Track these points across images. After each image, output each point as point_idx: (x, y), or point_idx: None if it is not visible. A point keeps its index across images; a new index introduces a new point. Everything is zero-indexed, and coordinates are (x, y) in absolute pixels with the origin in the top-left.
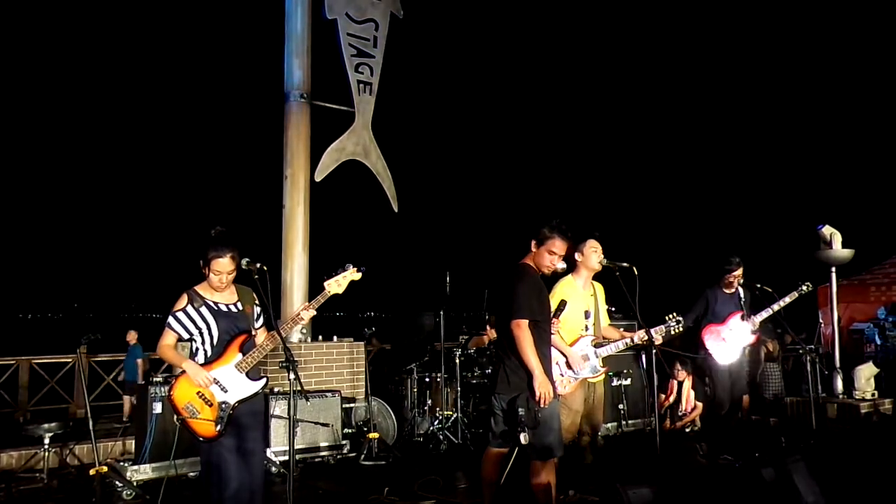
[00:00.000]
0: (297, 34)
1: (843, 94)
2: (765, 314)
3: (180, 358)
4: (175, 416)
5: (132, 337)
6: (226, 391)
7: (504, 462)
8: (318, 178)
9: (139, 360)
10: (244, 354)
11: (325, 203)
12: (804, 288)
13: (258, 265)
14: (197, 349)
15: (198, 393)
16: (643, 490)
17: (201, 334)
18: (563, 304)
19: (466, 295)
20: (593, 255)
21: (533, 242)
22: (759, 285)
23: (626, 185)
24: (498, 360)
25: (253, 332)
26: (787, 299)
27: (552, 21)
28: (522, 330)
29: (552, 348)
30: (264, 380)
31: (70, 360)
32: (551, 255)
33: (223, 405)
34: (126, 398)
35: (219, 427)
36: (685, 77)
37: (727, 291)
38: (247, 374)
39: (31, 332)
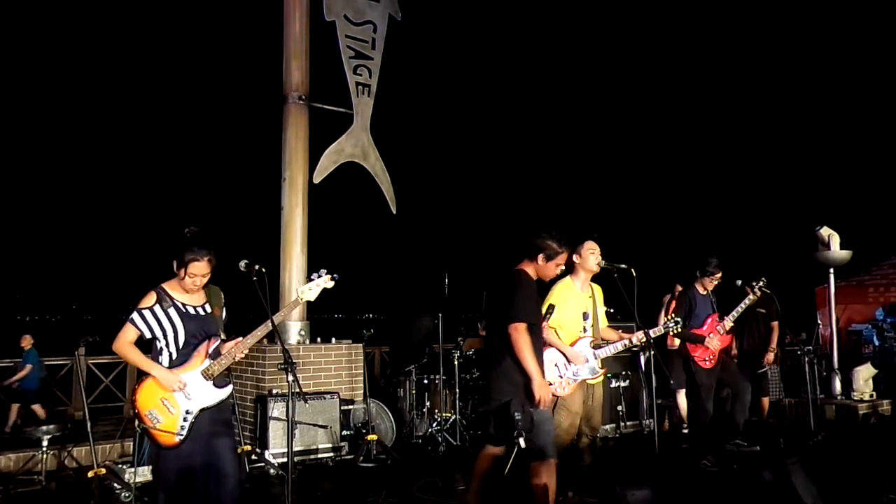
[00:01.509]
0: (296, 36)
1: (842, 94)
2: (734, 315)
3: (147, 361)
4: (137, 424)
5: (27, 342)
6: (190, 399)
7: (499, 460)
8: (316, 180)
9: (28, 366)
10: (212, 360)
11: (323, 205)
12: (761, 283)
13: (256, 267)
14: (161, 350)
15: (162, 399)
16: (642, 492)
17: (166, 336)
18: (551, 308)
19: (465, 297)
20: (591, 256)
21: (541, 257)
22: (759, 285)
23: (625, 187)
24: (491, 361)
25: (221, 336)
26: (752, 296)
27: (551, 24)
28: (521, 333)
29: (551, 349)
30: (230, 387)
31: (68, 362)
32: (557, 267)
33: (186, 413)
34: (14, 406)
35: (179, 437)
36: (683, 78)
37: (702, 293)
38: (213, 382)
39: (29, 334)
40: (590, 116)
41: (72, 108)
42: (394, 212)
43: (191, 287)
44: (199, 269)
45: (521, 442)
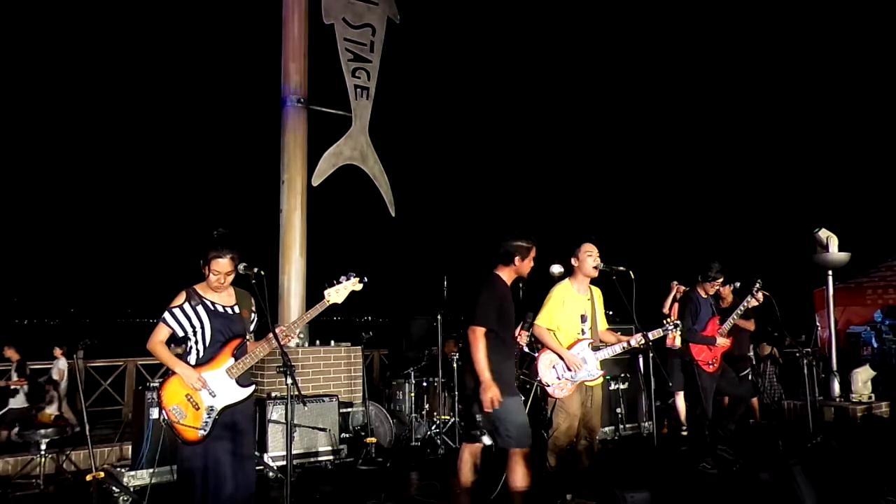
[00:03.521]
0: (295, 39)
1: (840, 97)
2: (734, 318)
3: (173, 359)
4: (161, 418)
5: None
6: (214, 396)
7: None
8: (315, 183)
9: None
10: (236, 359)
11: (322, 207)
12: (758, 284)
13: (255, 270)
14: (191, 348)
15: (186, 395)
16: (641, 494)
17: (195, 333)
18: (528, 316)
19: (464, 299)
20: (589, 259)
21: (517, 259)
22: (758, 287)
23: (623, 189)
24: (462, 364)
25: (248, 337)
26: (750, 299)
27: (550, 25)
28: (476, 336)
29: (549, 351)
30: (253, 386)
31: (66, 365)
32: (532, 259)
33: (210, 410)
34: None
35: (202, 432)
36: (683, 79)
37: (704, 297)
38: (237, 380)
39: (27, 337)
40: (588, 118)
41: (71, 111)
42: (392, 214)
43: (215, 285)
44: (222, 267)
45: (485, 440)
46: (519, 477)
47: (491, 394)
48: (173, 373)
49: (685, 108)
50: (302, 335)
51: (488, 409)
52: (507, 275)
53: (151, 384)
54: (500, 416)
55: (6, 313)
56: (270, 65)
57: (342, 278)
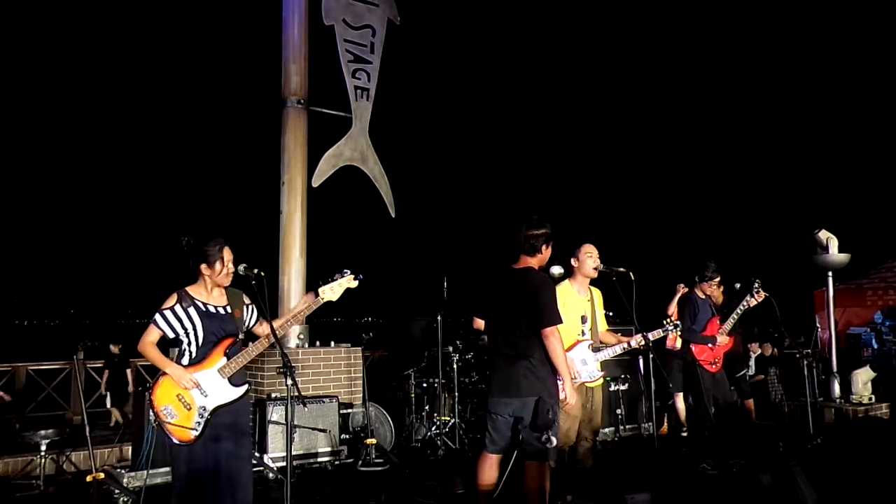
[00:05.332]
0: (295, 40)
1: (839, 97)
2: (733, 318)
3: (164, 359)
4: (153, 419)
5: None
6: (206, 395)
7: (500, 467)
8: (315, 184)
9: None
10: (229, 359)
11: (322, 208)
12: (756, 284)
13: (255, 271)
14: (184, 350)
15: (178, 396)
16: (641, 495)
17: (187, 335)
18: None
19: (464, 300)
20: (589, 260)
21: (544, 248)
22: (756, 286)
23: (623, 190)
24: (507, 363)
25: (240, 336)
26: (750, 299)
27: (550, 26)
28: (558, 336)
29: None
30: (247, 385)
31: (66, 366)
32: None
33: (202, 410)
34: None
35: (194, 432)
36: (682, 80)
37: (702, 297)
38: (229, 380)
39: (27, 338)
40: (589, 119)
41: (70, 112)
42: (392, 215)
43: (224, 278)
44: (230, 254)
45: (553, 439)
46: (544, 490)
47: (574, 394)
48: (162, 374)
49: (686, 108)
50: (302, 336)
51: (570, 406)
52: (536, 265)
53: (150, 384)
54: (556, 422)
55: (6, 314)
56: (270, 66)
57: (337, 275)
